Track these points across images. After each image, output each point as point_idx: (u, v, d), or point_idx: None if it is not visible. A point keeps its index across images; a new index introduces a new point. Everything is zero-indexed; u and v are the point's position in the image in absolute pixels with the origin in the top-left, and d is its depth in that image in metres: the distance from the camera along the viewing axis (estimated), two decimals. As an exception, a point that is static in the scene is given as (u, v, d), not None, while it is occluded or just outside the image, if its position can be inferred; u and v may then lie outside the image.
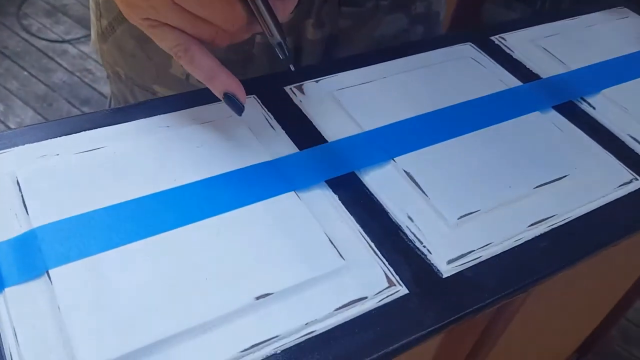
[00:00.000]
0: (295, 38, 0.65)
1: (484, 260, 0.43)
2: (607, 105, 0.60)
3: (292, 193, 0.45)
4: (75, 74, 2.30)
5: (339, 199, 0.46)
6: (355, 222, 0.44)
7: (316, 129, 0.52)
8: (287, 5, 0.44)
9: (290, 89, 0.56)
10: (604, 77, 0.64)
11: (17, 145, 0.45)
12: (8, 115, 2.10)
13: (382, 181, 0.48)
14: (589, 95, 0.61)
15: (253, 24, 0.43)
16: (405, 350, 0.38)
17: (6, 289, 0.36)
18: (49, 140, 0.46)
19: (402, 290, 0.40)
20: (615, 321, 1.04)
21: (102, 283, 0.37)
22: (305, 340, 0.36)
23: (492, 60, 0.64)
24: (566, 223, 0.47)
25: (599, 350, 1.17)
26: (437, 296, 0.41)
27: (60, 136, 0.46)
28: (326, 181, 0.47)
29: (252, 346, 0.35)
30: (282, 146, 0.50)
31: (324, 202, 0.45)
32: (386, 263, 0.42)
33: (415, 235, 0.44)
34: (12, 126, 2.04)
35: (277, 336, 0.36)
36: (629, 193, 0.51)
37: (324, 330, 0.37)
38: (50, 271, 0.36)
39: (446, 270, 0.42)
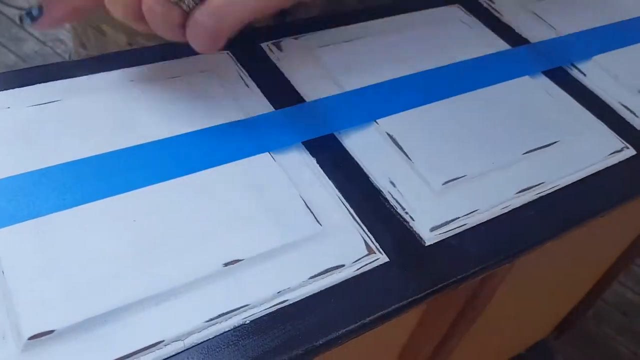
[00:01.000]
0: None
1: (469, 228, 0.41)
2: (598, 72, 0.58)
3: (267, 154, 0.42)
4: (47, 44, 2.21)
5: (317, 162, 0.43)
6: (333, 186, 0.41)
7: (294, 88, 0.49)
8: None
9: (267, 45, 0.52)
10: (595, 44, 0.62)
11: (-37, 96, 0.41)
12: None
13: (363, 144, 0.45)
14: (580, 62, 0.59)
15: None
16: (384, 322, 0.35)
17: None
18: (1, 91, 0.42)
19: (382, 258, 0.38)
20: (593, 302, 1.04)
21: (53, 246, 0.33)
22: (277, 310, 0.34)
23: (480, 23, 0.61)
24: (555, 191, 0.45)
25: (574, 330, 1.17)
26: (419, 265, 0.38)
27: (12, 88, 0.42)
28: (303, 143, 0.44)
29: (219, 315, 0.32)
30: (257, 105, 0.46)
31: (301, 164, 0.42)
32: (366, 230, 0.39)
33: (397, 201, 0.41)
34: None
35: (246, 305, 0.33)
36: (619, 162, 0.49)
37: (297, 299, 0.34)
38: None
39: (429, 237, 0.39)
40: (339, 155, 0.44)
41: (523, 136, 0.48)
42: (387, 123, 0.46)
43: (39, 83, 0.43)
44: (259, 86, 0.48)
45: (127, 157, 0.39)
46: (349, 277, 0.36)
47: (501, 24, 0.62)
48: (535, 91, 0.53)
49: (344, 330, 0.34)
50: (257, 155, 0.42)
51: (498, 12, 0.63)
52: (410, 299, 0.36)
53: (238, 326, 0.33)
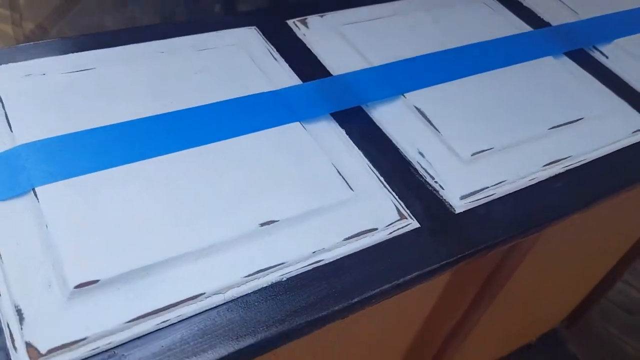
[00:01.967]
0: None
1: (497, 198, 0.41)
2: (620, 55, 0.58)
3: (297, 124, 0.42)
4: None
5: (346, 133, 0.43)
6: (363, 156, 0.42)
7: (320, 62, 0.49)
8: None
9: (294, 22, 0.53)
10: (617, 27, 0.62)
11: (1, 64, 0.41)
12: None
13: (391, 116, 0.45)
14: (602, 44, 0.59)
15: None
16: (416, 284, 0.36)
17: None
18: (35, 59, 0.42)
19: (414, 223, 0.38)
20: (601, 295, 1.03)
21: (92, 204, 0.34)
22: (313, 269, 0.34)
23: (503, 7, 0.61)
24: (581, 165, 0.45)
25: (581, 327, 1.16)
26: (449, 231, 0.38)
27: (46, 57, 0.43)
28: (332, 115, 0.45)
29: (257, 272, 0.33)
30: (285, 78, 0.47)
31: (331, 134, 0.43)
32: (396, 197, 0.39)
33: (426, 171, 0.42)
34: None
35: (282, 263, 0.34)
36: (644, 139, 0.49)
37: (332, 259, 0.35)
38: (36, 189, 0.33)
39: (459, 206, 0.40)
40: (368, 126, 0.45)
41: (548, 112, 0.48)
42: (414, 97, 0.47)
43: (73, 52, 0.44)
44: (286, 60, 0.49)
45: (161, 123, 0.40)
46: (382, 240, 0.37)
47: (523, 8, 0.62)
48: (559, 71, 0.54)
49: (378, 290, 0.34)
50: (288, 125, 0.42)
51: (520, -4, 0.64)
52: (440, 263, 0.36)
53: (275, 282, 0.33)
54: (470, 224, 0.39)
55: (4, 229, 0.32)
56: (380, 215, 0.38)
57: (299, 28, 0.52)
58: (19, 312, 0.29)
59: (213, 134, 0.40)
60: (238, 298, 0.32)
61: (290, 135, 0.41)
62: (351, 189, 0.38)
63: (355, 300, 0.33)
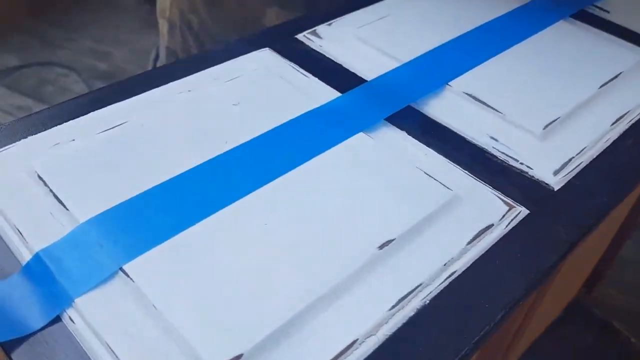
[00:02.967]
0: None
1: (585, 166, 0.39)
2: (619, 7, 0.58)
3: (362, 134, 0.39)
4: None
5: (409, 135, 0.40)
6: (437, 153, 0.39)
7: (349, 70, 0.46)
8: None
9: (304, 35, 0.50)
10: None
11: (22, 139, 0.36)
12: None
13: (446, 108, 0.43)
14: (599, 1, 0.59)
15: None
16: (558, 265, 0.33)
17: (76, 300, 0.27)
18: (57, 127, 0.37)
19: (523, 210, 0.35)
20: (617, 250, 1.03)
21: (193, 268, 0.29)
22: (450, 282, 0.31)
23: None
24: (642, 117, 0.44)
25: (602, 290, 1.15)
26: (558, 209, 0.36)
27: (66, 121, 0.38)
28: (387, 120, 0.41)
29: (399, 301, 0.29)
30: (323, 92, 0.43)
31: (397, 139, 0.40)
32: (491, 187, 0.37)
33: (506, 155, 0.39)
34: None
35: (420, 285, 0.30)
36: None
37: (464, 268, 0.32)
38: (125, 267, 0.28)
39: (555, 182, 0.38)
40: (426, 124, 0.42)
41: (589, 73, 0.47)
42: (459, 84, 0.44)
43: (94, 110, 0.39)
44: (314, 74, 0.45)
45: (227, 165, 0.35)
46: (502, 234, 0.34)
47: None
48: (576, 33, 0.53)
49: (526, 286, 0.31)
50: (352, 138, 0.39)
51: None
52: (571, 242, 0.34)
53: (420, 308, 0.29)
54: (573, 197, 0.37)
55: (107, 322, 0.27)
56: (488, 209, 0.35)
57: (312, 40, 0.49)
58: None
59: (284, 162, 0.36)
60: (390, 335, 0.28)
61: (359, 148, 0.38)
62: (449, 188, 0.35)
63: (513, 301, 0.30)
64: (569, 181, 0.38)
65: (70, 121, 0.38)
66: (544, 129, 0.41)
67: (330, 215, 0.32)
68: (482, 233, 0.33)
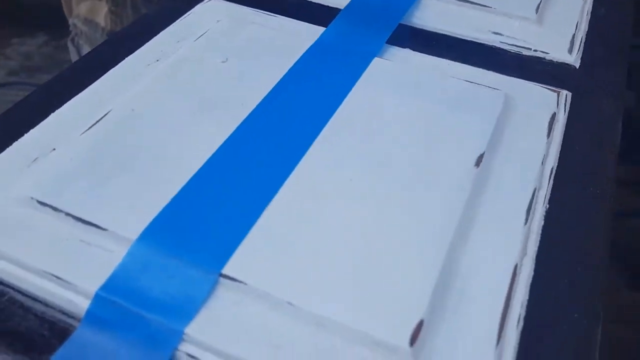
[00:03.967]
0: None
1: (585, 40, 0.39)
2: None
3: (377, 59, 0.35)
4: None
5: (414, 50, 0.37)
6: (453, 61, 0.36)
7: (311, 2, 0.41)
8: None
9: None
10: None
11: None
12: None
13: (434, 16, 0.40)
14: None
15: None
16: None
17: (186, 330, 0.21)
18: (18, 140, 0.28)
19: (563, 92, 0.34)
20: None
21: (297, 249, 0.24)
22: (554, 180, 0.28)
23: None
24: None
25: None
26: (589, 85, 0.35)
27: (27, 131, 0.29)
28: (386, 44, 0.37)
29: (526, 212, 0.26)
30: (306, 29, 0.38)
31: (408, 57, 0.36)
32: (524, 80, 0.35)
33: (516, 45, 0.38)
34: None
35: (534, 190, 0.27)
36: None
37: (557, 161, 0.29)
38: (224, 271, 0.22)
39: (574, 60, 0.37)
40: (424, 36, 0.39)
41: None
42: (434, -11, 0.41)
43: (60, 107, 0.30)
44: (281, 15, 0.40)
45: (261, 127, 0.29)
46: (566, 121, 0.32)
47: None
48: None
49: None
50: (371, 65, 0.34)
51: None
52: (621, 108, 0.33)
53: (545, 213, 0.27)
54: (593, 68, 0.36)
55: (239, 342, 0.21)
56: (540, 100, 0.33)
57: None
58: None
59: (324, 105, 0.30)
60: (537, 249, 0.25)
61: (385, 73, 0.34)
62: (496, 88, 0.33)
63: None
64: (583, 56, 0.37)
65: (32, 130, 0.29)
66: (536, 12, 0.39)
67: (407, 148, 0.28)
68: (553, 124, 0.31)
